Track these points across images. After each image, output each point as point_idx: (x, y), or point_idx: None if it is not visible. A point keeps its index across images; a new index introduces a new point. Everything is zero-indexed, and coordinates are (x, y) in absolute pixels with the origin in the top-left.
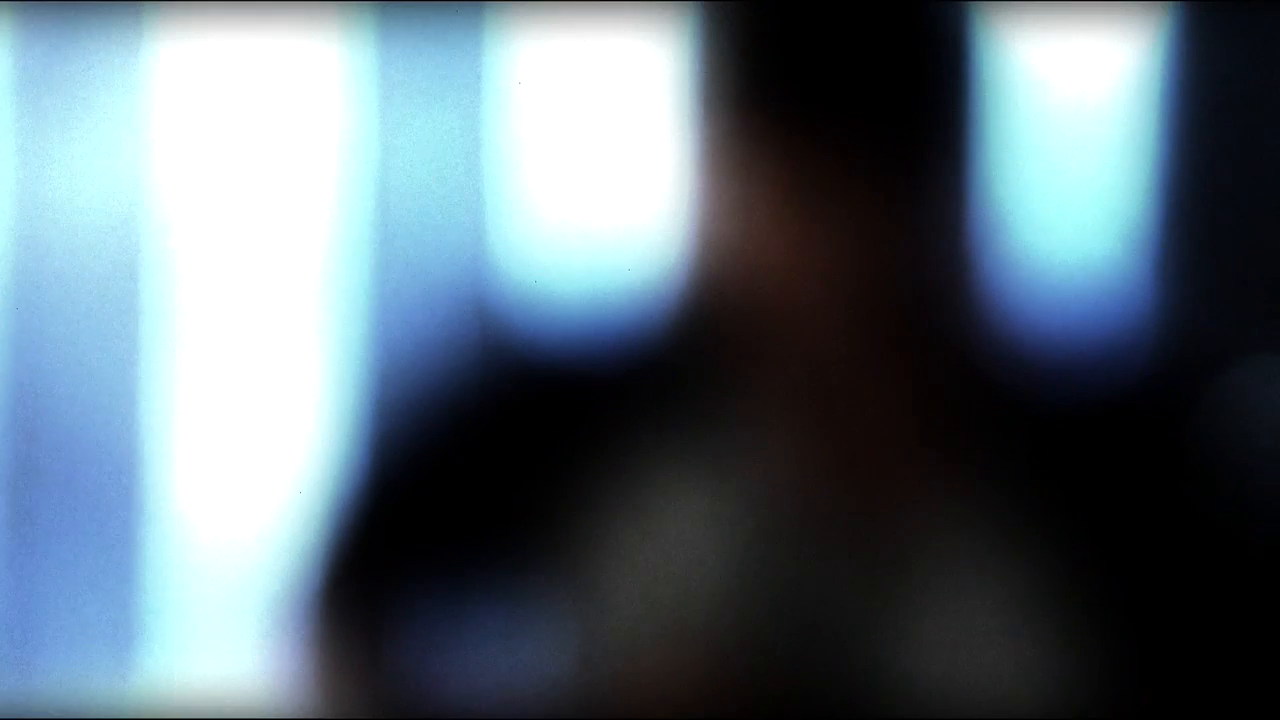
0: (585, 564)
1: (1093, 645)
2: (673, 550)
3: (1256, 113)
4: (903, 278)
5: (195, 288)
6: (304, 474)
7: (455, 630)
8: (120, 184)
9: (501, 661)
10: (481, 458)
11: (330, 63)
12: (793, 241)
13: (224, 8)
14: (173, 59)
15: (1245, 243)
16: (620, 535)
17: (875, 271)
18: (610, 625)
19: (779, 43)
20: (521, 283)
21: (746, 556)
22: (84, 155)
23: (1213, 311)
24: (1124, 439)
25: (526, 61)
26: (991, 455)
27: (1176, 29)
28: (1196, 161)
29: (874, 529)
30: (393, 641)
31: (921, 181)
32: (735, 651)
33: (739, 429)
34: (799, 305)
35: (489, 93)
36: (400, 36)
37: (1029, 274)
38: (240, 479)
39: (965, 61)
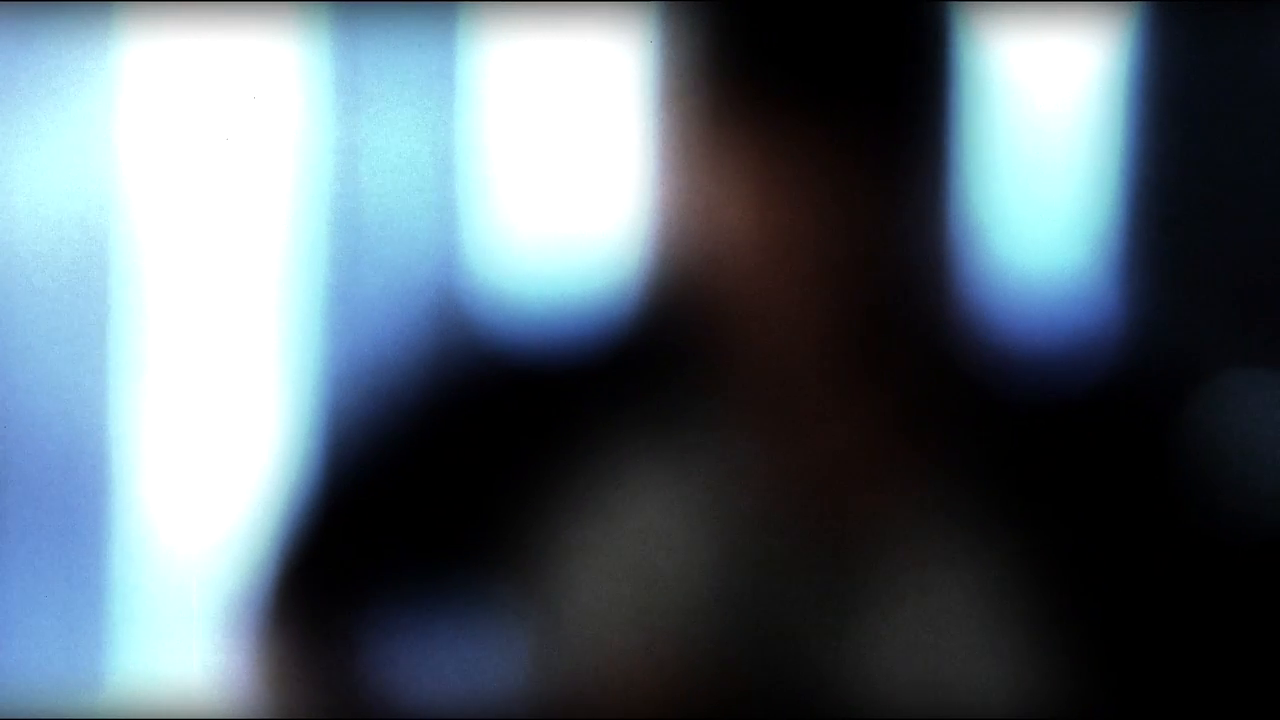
0: (550, 564)
1: (1063, 645)
2: (639, 550)
3: (1228, 112)
4: (875, 275)
5: (160, 290)
6: (268, 474)
7: (419, 631)
8: (84, 186)
9: (465, 662)
10: (445, 457)
11: (297, 63)
12: (765, 238)
13: (194, 8)
14: (140, 60)
15: (1214, 240)
16: (586, 535)
17: (848, 268)
18: (575, 626)
19: (751, 40)
20: (489, 280)
21: (715, 556)
22: (46, 156)
23: (1182, 309)
24: (1094, 440)
25: (494, 60)
26: (962, 454)
27: (1147, 27)
28: (1165, 159)
29: (844, 528)
30: (357, 643)
31: (895, 179)
32: (702, 652)
33: (709, 427)
34: (770, 302)
35: (458, 91)
36: (369, 36)
37: (1001, 271)
38: (204, 479)
39: (939, 58)
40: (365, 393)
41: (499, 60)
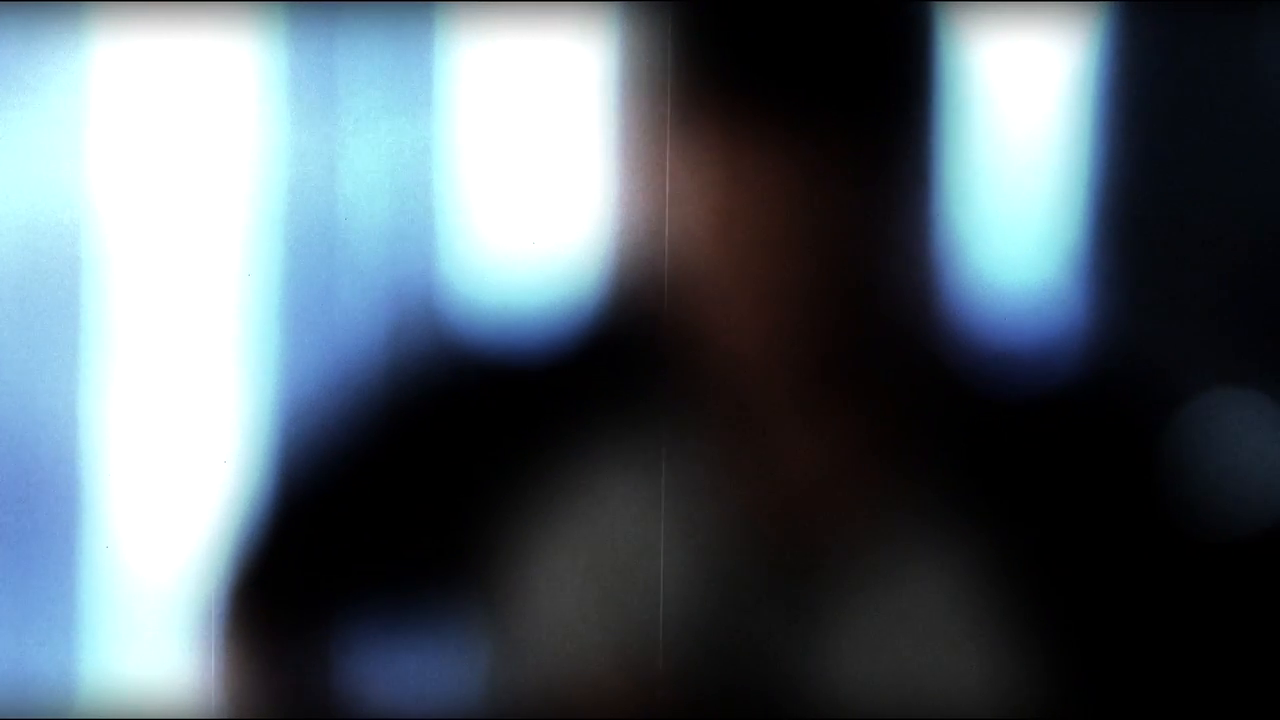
0: (518, 567)
1: (1042, 657)
2: (609, 553)
3: (1208, 115)
4: (849, 277)
5: (126, 296)
6: (238, 477)
7: (388, 634)
8: (46, 190)
9: (434, 664)
10: (412, 460)
11: (267, 65)
12: (737, 240)
13: (164, 9)
14: (111, 61)
15: (1188, 242)
16: (555, 538)
17: (819, 269)
18: (542, 630)
19: (722, 40)
20: (459, 282)
21: (685, 560)
22: (9, 157)
23: (1157, 313)
24: (1072, 449)
25: (466, 60)
26: (936, 460)
27: (1122, 28)
28: (1141, 161)
29: (817, 531)
30: (324, 646)
31: (869, 180)
32: (671, 656)
33: (680, 431)
34: (742, 305)
35: (431, 91)
36: (343, 37)
37: (977, 275)
38: (172, 481)
39: (914, 58)
40: (334, 395)
41: (470, 61)
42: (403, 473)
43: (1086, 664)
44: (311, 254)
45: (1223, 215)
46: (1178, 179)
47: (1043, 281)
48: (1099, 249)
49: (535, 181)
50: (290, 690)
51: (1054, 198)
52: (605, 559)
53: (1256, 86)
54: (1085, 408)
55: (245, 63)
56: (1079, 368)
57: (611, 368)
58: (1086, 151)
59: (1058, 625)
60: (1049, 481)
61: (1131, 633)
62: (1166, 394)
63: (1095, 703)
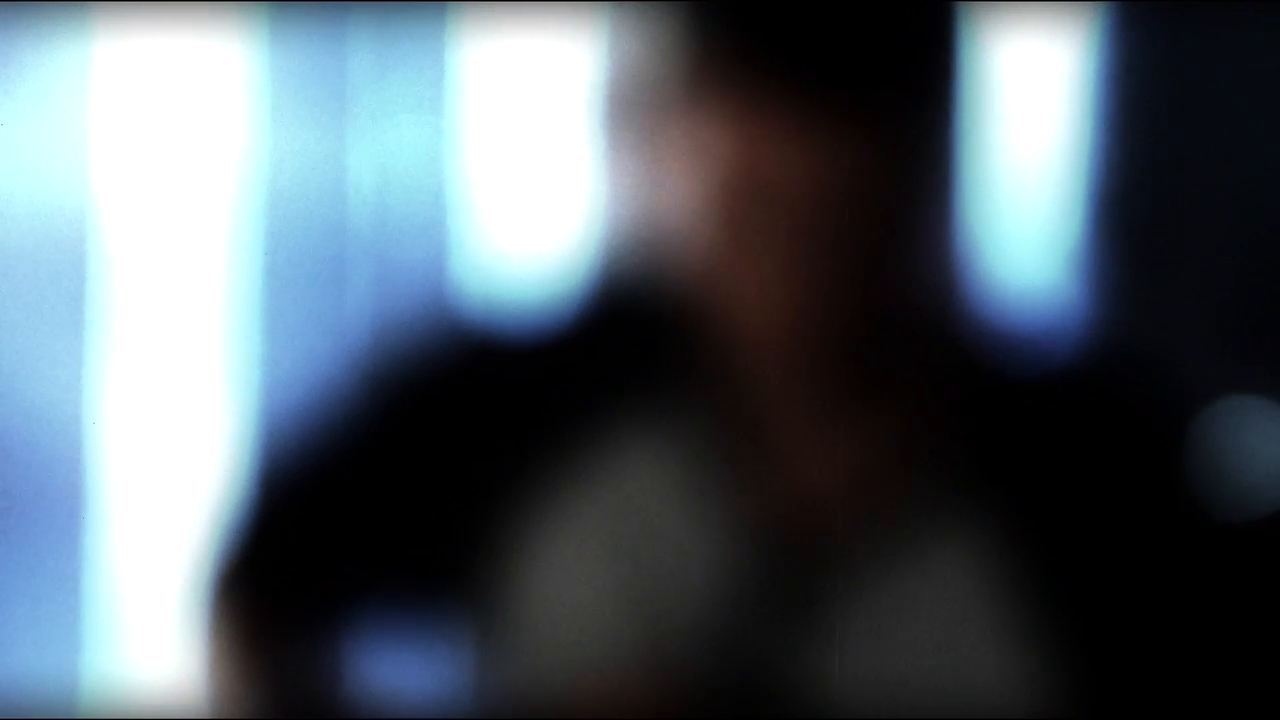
0: (525, 554)
1: (1063, 659)
2: (620, 539)
3: (1210, 113)
4: (860, 260)
5: (126, 289)
6: (240, 467)
7: (395, 625)
8: (45, 187)
9: (442, 656)
10: (417, 448)
11: (271, 64)
12: (750, 224)
13: (174, 7)
14: (112, 61)
15: (1190, 236)
16: (564, 524)
17: (832, 252)
18: (547, 622)
19: (739, 28)
20: (470, 270)
21: (699, 546)
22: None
23: (1162, 308)
24: (1089, 449)
25: (477, 60)
26: (950, 439)
27: (1127, 27)
28: (1143, 155)
29: (832, 519)
30: (326, 638)
31: (884, 164)
32: (684, 644)
33: (694, 418)
34: (755, 294)
35: (443, 86)
36: (357, 37)
37: (990, 275)
38: (172, 475)
39: (930, 53)
40: (340, 385)
41: (480, 58)
42: (409, 464)
43: (1105, 654)
44: (318, 247)
45: (1223, 206)
46: (1180, 171)
47: (1055, 272)
48: (1106, 240)
49: (545, 171)
50: (294, 688)
51: (1062, 191)
52: (614, 551)
53: (1258, 86)
54: (1098, 395)
55: (255, 61)
56: (1091, 355)
57: (623, 357)
58: (1092, 146)
59: (1090, 636)
60: (1066, 471)
61: (1153, 621)
62: (1175, 381)
63: (1114, 696)
